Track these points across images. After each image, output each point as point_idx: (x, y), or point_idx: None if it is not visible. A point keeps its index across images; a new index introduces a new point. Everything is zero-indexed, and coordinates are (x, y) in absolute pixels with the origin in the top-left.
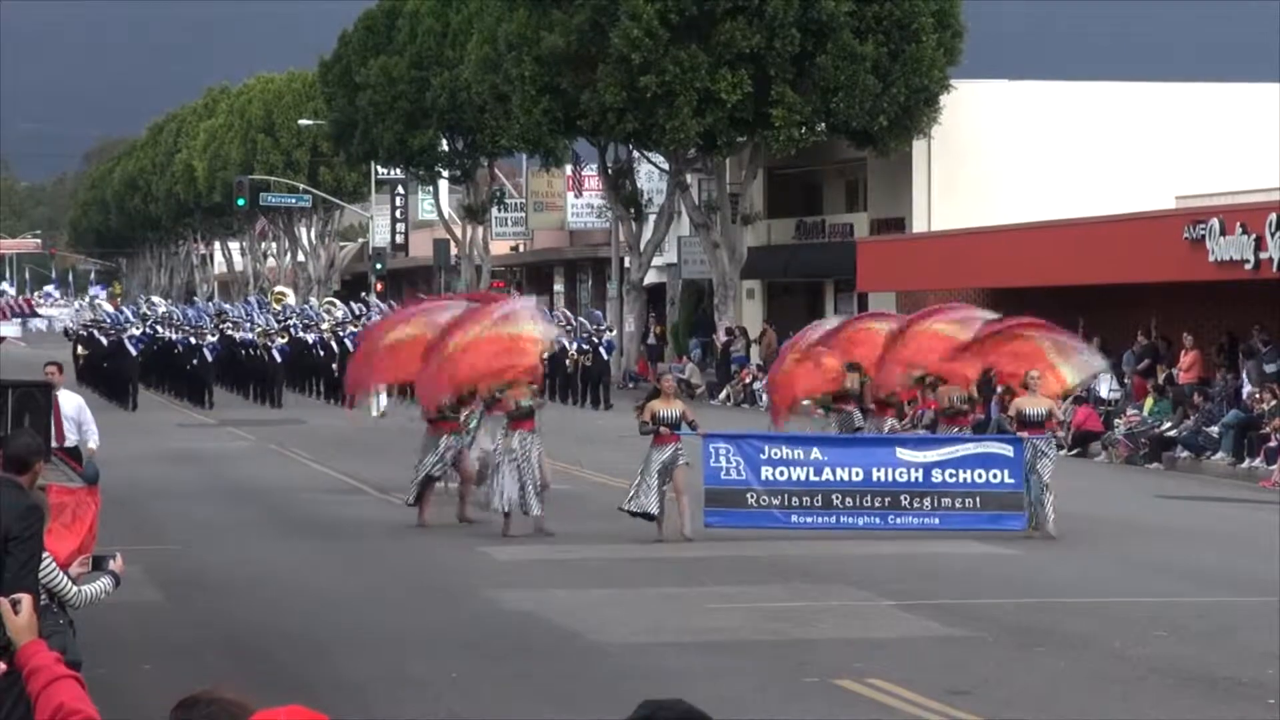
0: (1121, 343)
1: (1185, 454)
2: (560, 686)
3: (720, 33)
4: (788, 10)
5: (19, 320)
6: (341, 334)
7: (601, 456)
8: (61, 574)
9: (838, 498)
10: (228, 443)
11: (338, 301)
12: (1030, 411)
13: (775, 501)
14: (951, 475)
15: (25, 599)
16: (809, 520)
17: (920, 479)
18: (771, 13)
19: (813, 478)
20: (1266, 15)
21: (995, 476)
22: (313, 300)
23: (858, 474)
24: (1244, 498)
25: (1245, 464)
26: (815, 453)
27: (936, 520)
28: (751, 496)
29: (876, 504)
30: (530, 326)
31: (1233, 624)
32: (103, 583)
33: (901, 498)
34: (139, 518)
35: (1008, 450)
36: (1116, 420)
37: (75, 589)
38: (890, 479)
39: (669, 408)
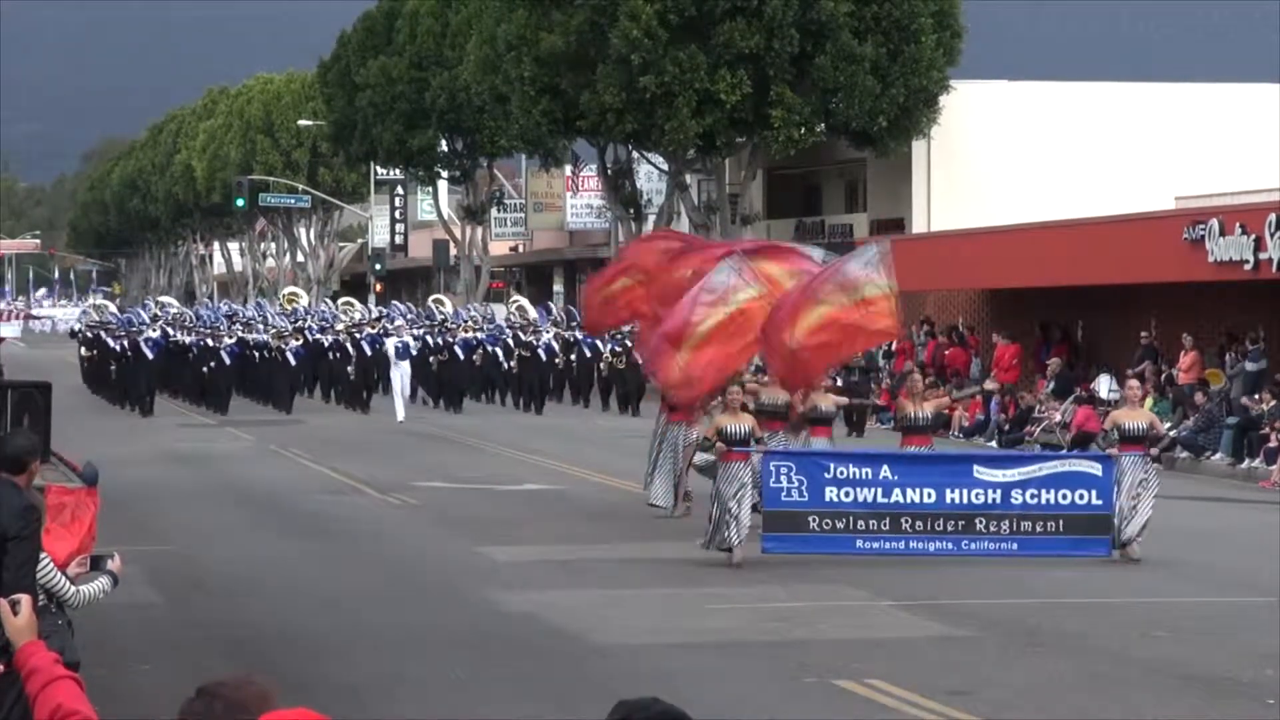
0: (1120, 344)
1: (1185, 454)
2: (560, 687)
3: (719, 33)
4: (787, 11)
5: (19, 321)
6: (359, 335)
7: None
8: (59, 574)
9: (907, 521)
10: (227, 443)
11: (355, 302)
12: (1129, 425)
13: (839, 525)
14: (1033, 496)
15: (24, 599)
16: (875, 545)
17: (998, 500)
18: (771, 13)
19: (880, 499)
20: (1267, 15)
21: (1081, 497)
22: (327, 301)
23: (930, 495)
24: (1244, 498)
25: (1245, 464)
26: (885, 471)
27: (1015, 545)
28: (813, 520)
29: (949, 528)
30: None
31: (1233, 624)
32: (100, 583)
33: (977, 521)
34: (138, 518)
35: (1096, 469)
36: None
37: (73, 589)
38: (965, 500)
39: (737, 422)
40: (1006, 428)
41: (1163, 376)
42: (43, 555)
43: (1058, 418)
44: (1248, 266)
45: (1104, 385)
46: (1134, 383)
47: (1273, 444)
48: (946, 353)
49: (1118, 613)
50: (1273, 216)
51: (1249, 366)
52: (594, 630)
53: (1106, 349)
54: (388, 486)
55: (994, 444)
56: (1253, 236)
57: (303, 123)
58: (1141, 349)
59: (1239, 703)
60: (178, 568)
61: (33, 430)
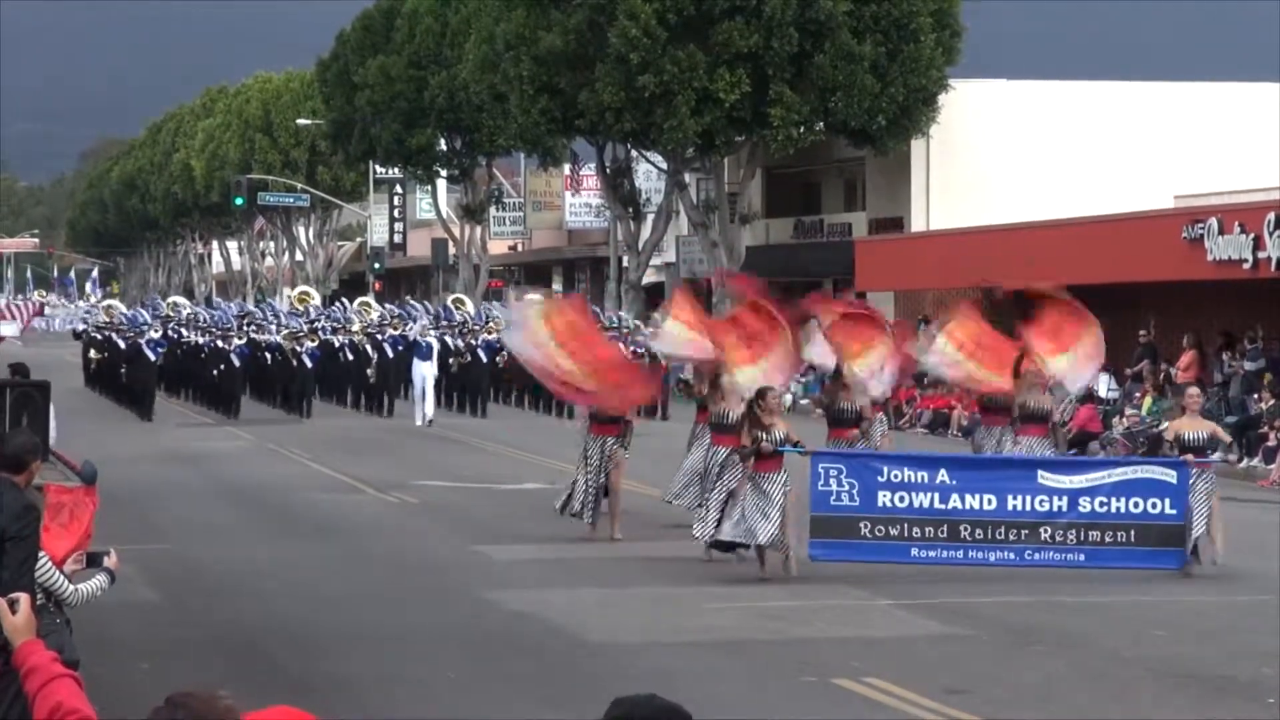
0: (1120, 343)
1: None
2: (557, 686)
3: (718, 32)
4: (786, 10)
5: (17, 320)
6: (380, 337)
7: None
8: (58, 573)
9: (966, 529)
10: (226, 442)
11: (373, 303)
12: (1190, 436)
13: (893, 532)
14: (1102, 504)
15: (23, 598)
16: (931, 555)
17: (1065, 508)
18: (769, 12)
19: (938, 505)
20: (1267, 15)
21: (1155, 506)
22: (343, 301)
23: (990, 501)
24: (1242, 497)
25: (1244, 463)
26: (942, 475)
27: (1082, 556)
28: (865, 526)
29: (1011, 537)
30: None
31: (1231, 623)
32: (98, 580)
33: (1041, 530)
34: (136, 517)
35: (1170, 476)
36: (1115, 419)
37: (72, 588)
38: (1029, 508)
39: (772, 427)
40: (965, 421)
41: (1161, 376)
42: (41, 554)
43: (1058, 417)
44: (1247, 265)
45: (1103, 384)
46: (1194, 390)
47: (1271, 443)
48: None
49: (1115, 612)
50: (1272, 215)
51: (1248, 365)
52: (591, 629)
53: (1106, 348)
54: (386, 485)
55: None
56: (1252, 235)
57: (301, 122)
58: (1140, 348)
59: (1238, 702)
60: (176, 566)
61: (32, 429)
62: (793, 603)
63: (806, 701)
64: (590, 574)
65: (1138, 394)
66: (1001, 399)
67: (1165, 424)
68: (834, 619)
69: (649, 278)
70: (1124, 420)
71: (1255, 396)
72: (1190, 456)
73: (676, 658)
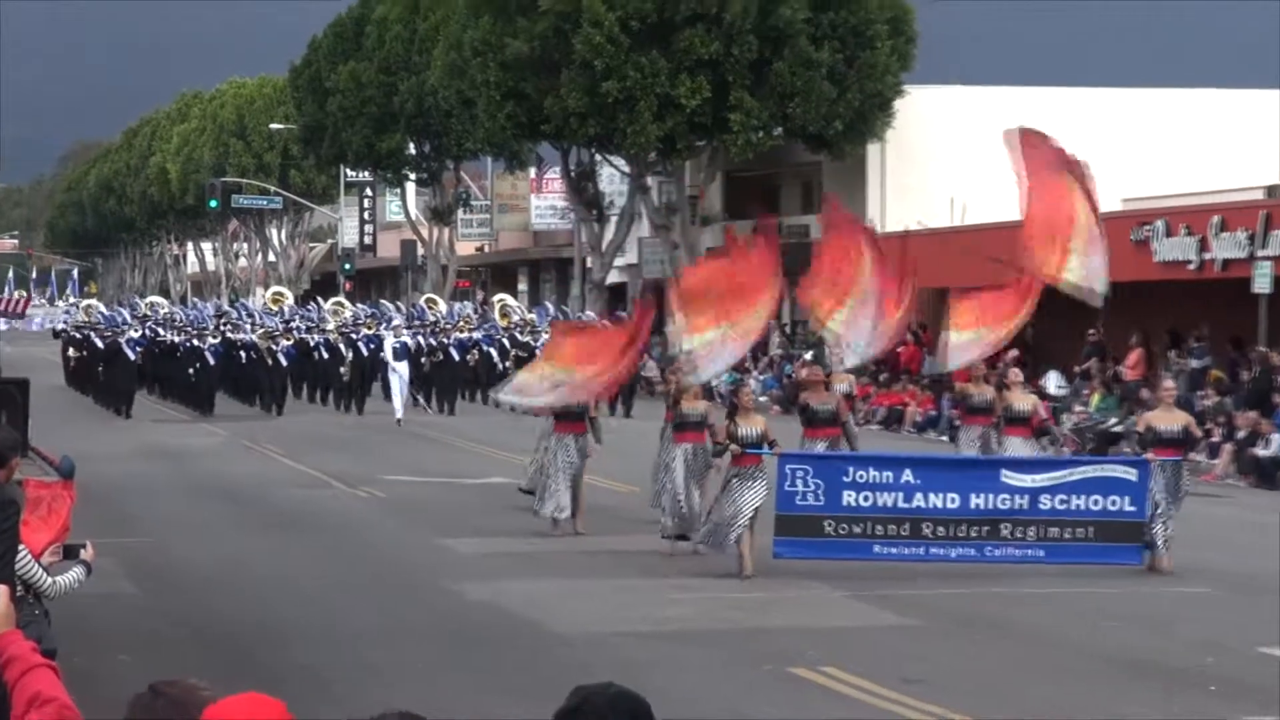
0: (1069, 341)
1: (1128, 450)
2: (521, 676)
3: (680, 40)
4: (746, 18)
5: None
6: (354, 336)
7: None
8: (37, 566)
9: (928, 527)
10: (201, 438)
11: (346, 302)
12: (1164, 428)
13: (856, 530)
14: (1063, 501)
15: (2, 590)
16: (893, 551)
17: (1026, 506)
18: (730, 20)
19: (901, 504)
20: (1211, 23)
21: (1114, 504)
22: (317, 300)
23: (953, 500)
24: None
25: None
26: (907, 475)
27: (1042, 552)
28: (829, 524)
29: (973, 534)
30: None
31: (1176, 614)
32: (75, 572)
33: (1002, 527)
34: (112, 511)
35: (1131, 474)
36: (1064, 415)
37: (50, 580)
38: (991, 506)
39: (749, 425)
40: (958, 424)
41: (1109, 374)
42: (20, 547)
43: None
44: (1192, 266)
45: (1052, 382)
46: (1169, 383)
47: (1215, 438)
48: (900, 350)
49: (1067, 603)
50: (1216, 218)
51: (1193, 363)
52: (554, 619)
53: (1055, 347)
54: (356, 481)
55: (946, 439)
56: (1197, 237)
57: (274, 126)
58: (1089, 346)
59: (1181, 690)
60: (152, 559)
61: (10, 425)
62: (751, 594)
63: (764, 691)
64: (553, 566)
65: (1086, 391)
66: (982, 401)
67: (1136, 416)
68: (791, 610)
69: (612, 278)
70: (1073, 416)
71: (1200, 393)
72: (1152, 454)
73: (637, 647)
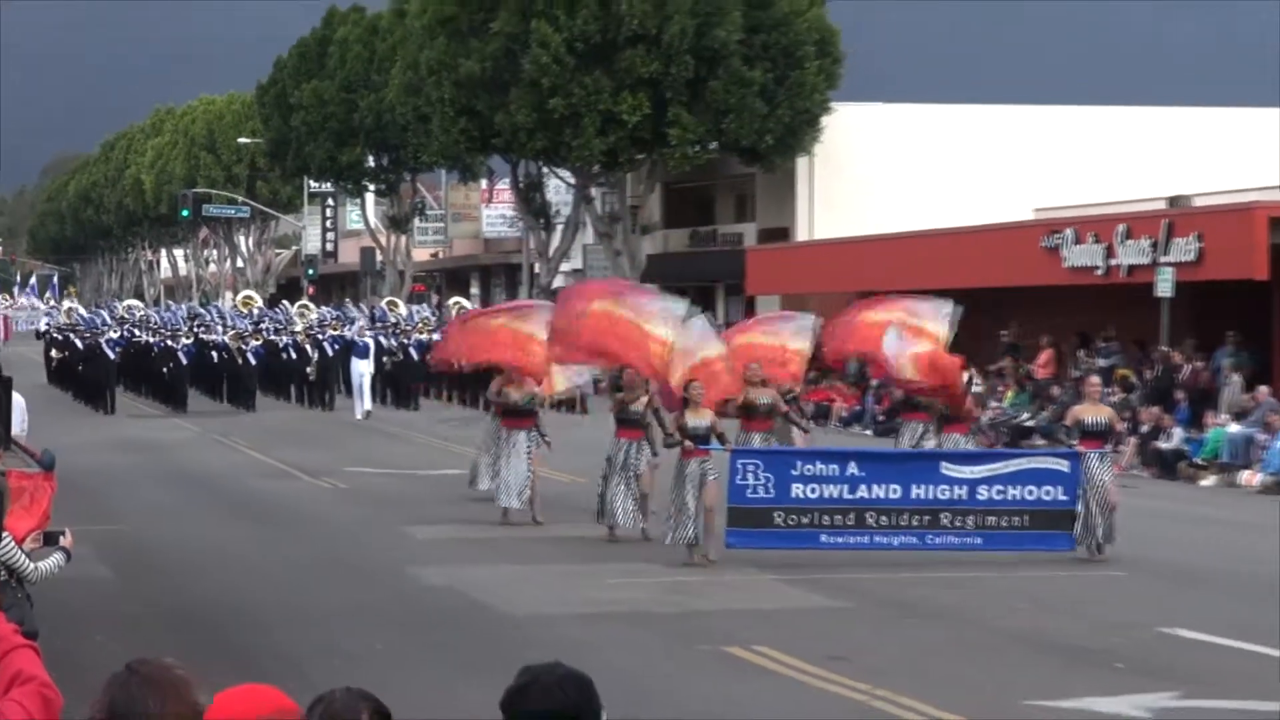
0: (983, 342)
1: (1042, 442)
2: (475, 655)
3: (622, 59)
4: (683, 39)
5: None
6: (320, 337)
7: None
8: (20, 552)
9: (872, 516)
10: (174, 433)
11: (311, 305)
12: (1090, 421)
13: (804, 520)
14: (999, 492)
15: None
16: (839, 540)
17: (964, 496)
18: (668, 41)
19: (846, 495)
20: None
21: (1048, 493)
22: (285, 304)
23: (895, 491)
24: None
25: None
26: (852, 468)
27: (979, 540)
28: (778, 516)
29: (914, 523)
30: (663, 329)
31: (1084, 597)
32: (55, 558)
33: (942, 516)
34: (90, 500)
35: (1063, 465)
36: (980, 411)
37: (32, 566)
38: (931, 496)
39: (698, 419)
40: (881, 418)
41: (1021, 372)
42: (4, 534)
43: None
44: (1099, 272)
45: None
46: (1094, 379)
47: (1121, 431)
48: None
49: (985, 586)
50: (1121, 227)
51: (1100, 362)
52: (507, 602)
53: (971, 346)
54: (319, 472)
55: (869, 433)
56: (1104, 245)
57: (242, 140)
58: (1003, 346)
59: (1089, 668)
60: (128, 546)
61: None
62: (691, 578)
63: (701, 668)
64: (506, 552)
65: (1000, 388)
66: (923, 399)
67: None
68: (728, 593)
69: (558, 283)
70: (988, 412)
71: (1107, 390)
72: (1082, 446)
73: (583, 628)
